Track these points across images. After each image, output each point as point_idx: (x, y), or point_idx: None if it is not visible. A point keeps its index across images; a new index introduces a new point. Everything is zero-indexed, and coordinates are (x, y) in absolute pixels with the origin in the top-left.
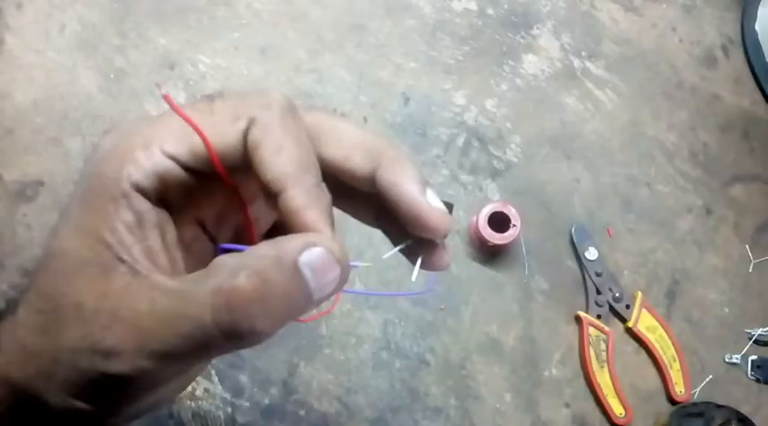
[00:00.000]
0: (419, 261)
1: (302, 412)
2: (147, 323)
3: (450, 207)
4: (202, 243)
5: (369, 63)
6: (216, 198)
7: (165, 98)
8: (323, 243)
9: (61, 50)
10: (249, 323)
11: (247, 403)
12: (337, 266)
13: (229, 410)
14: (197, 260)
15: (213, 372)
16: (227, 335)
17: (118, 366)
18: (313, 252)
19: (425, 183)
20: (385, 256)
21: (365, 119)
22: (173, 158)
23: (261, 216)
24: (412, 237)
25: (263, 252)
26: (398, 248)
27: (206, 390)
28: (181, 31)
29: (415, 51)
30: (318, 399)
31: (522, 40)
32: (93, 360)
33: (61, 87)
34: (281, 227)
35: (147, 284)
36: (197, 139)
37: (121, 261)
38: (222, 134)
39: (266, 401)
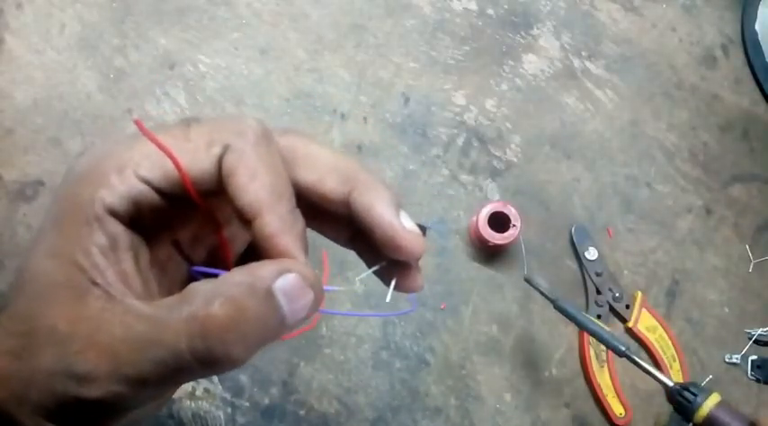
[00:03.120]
0: (393, 283)
1: (302, 412)
2: (122, 348)
3: (423, 230)
4: (176, 263)
5: (369, 63)
6: (190, 220)
7: (137, 124)
8: (296, 269)
9: (61, 50)
10: (224, 351)
11: (247, 403)
12: (311, 291)
13: (229, 410)
14: (171, 280)
15: None
16: (201, 362)
17: (92, 391)
18: (287, 279)
19: (399, 206)
20: (359, 278)
21: (365, 120)
22: (147, 182)
23: (236, 237)
24: (386, 259)
25: (238, 279)
26: (372, 270)
27: (206, 390)
28: (181, 31)
29: (415, 51)
30: (318, 399)
31: (522, 40)
32: (68, 385)
33: (61, 87)
34: (256, 248)
35: (121, 309)
36: (171, 164)
37: (95, 284)
38: (196, 160)
39: (266, 401)
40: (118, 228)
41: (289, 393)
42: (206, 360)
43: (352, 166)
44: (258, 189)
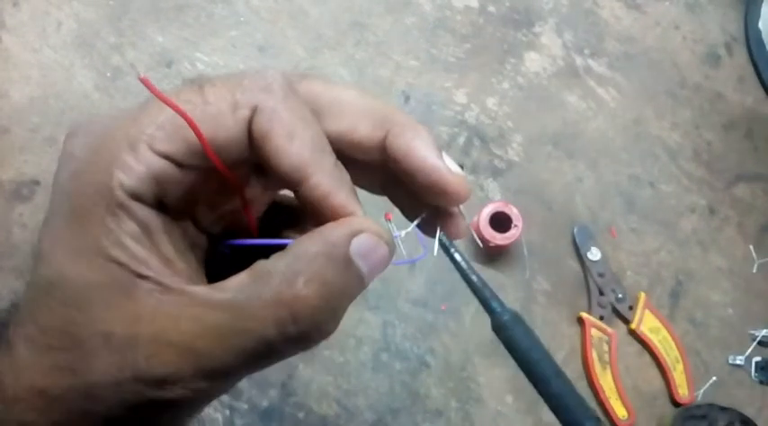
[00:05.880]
0: (438, 234)
1: (301, 415)
2: (202, 344)
3: (462, 168)
4: (192, 230)
5: (368, 61)
6: (208, 187)
7: (145, 83)
8: (366, 227)
9: (58, 48)
10: (318, 329)
11: (246, 406)
12: (385, 246)
13: (228, 412)
14: (199, 255)
15: None
16: (294, 344)
17: (174, 392)
18: (361, 240)
19: (440, 148)
20: (403, 233)
21: None
22: (166, 157)
23: (255, 198)
24: (427, 208)
25: (313, 250)
26: (416, 222)
27: None
28: (178, 29)
29: (415, 49)
30: (317, 401)
31: (523, 38)
32: (143, 390)
33: (58, 86)
34: (278, 208)
35: (184, 300)
36: (192, 133)
37: (142, 277)
38: (222, 126)
39: (265, 403)
40: (146, 212)
41: (287, 395)
42: (300, 342)
43: (385, 107)
44: (299, 149)
